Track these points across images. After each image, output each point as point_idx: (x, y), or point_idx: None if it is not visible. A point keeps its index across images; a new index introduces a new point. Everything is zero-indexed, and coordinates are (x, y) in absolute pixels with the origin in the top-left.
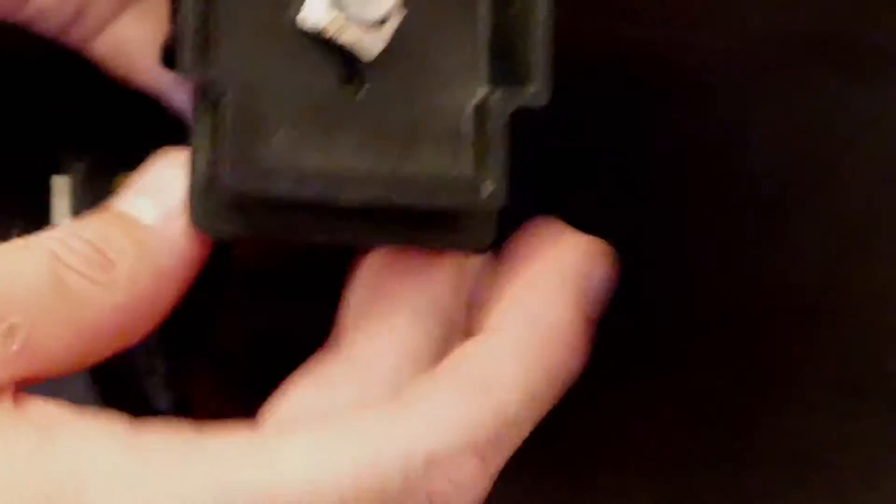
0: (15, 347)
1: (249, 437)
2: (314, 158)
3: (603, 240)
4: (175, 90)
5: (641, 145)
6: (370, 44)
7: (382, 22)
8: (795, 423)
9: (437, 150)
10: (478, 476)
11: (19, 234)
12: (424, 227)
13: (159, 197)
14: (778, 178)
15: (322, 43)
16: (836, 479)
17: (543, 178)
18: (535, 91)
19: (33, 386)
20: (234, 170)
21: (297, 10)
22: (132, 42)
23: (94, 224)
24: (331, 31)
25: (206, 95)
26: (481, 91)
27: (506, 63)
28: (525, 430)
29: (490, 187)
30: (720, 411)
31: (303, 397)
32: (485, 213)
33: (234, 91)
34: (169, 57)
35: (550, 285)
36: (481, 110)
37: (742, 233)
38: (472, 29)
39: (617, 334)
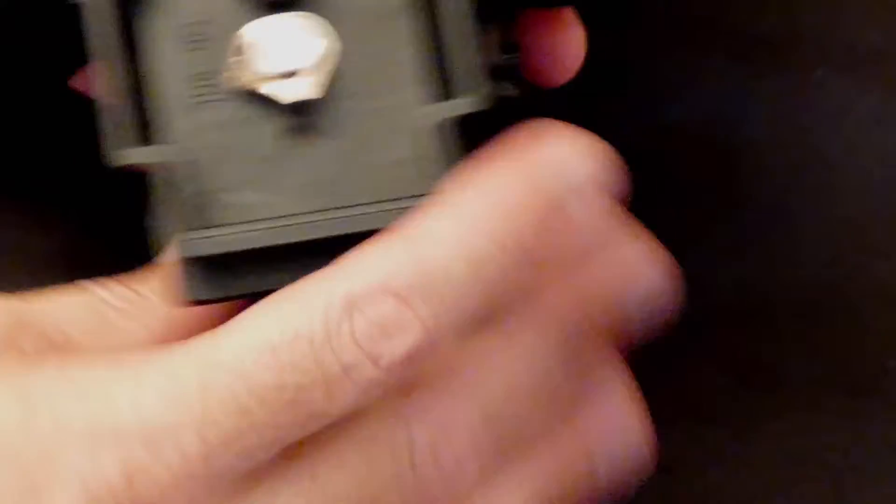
0: None
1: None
2: (266, 210)
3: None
4: None
5: (641, 145)
6: (302, 87)
7: (303, 72)
8: (795, 423)
9: (394, 176)
10: (402, 320)
11: None
12: None
13: None
14: (778, 178)
15: (258, 96)
16: (836, 479)
17: None
18: (473, 99)
19: None
20: (188, 242)
21: (223, 68)
22: None
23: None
24: (260, 89)
25: (151, 173)
26: (426, 109)
27: (443, 76)
28: (472, 295)
29: None
30: (720, 411)
31: None
32: None
33: (181, 166)
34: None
35: (509, 164)
36: (433, 128)
37: (742, 233)
38: (405, 49)
39: None
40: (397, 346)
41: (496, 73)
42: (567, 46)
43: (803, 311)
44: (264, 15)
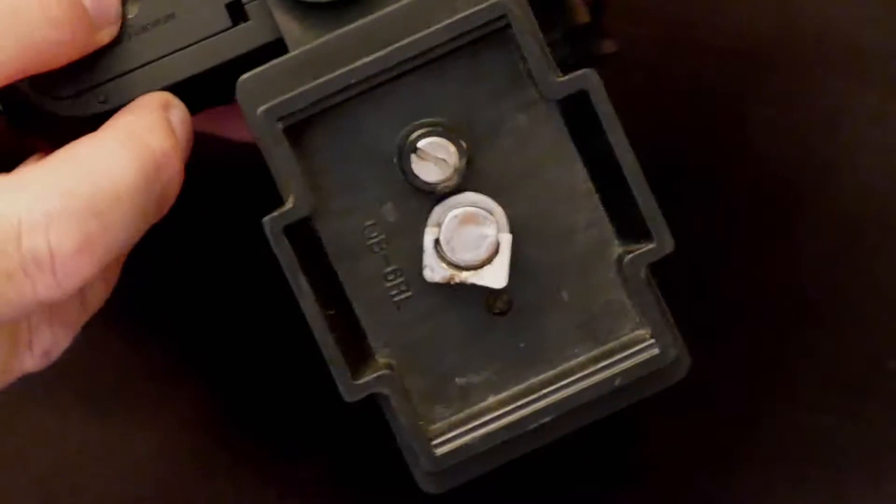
0: None
1: None
2: (488, 394)
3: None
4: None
5: (641, 145)
6: (495, 275)
7: (492, 258)
8: (795, 423)
9: (602, 324)
10: (72, 242)
11: None
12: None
13: None
14: (778, 178)
15: (453, 287)
16: (836, 479)
17: None
18: (661, 244)
19: None
20: (426, 469)
21: (405, 265)
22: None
23: None
24: (456, 281)
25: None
26: (616, 251)
27: (623, 216)
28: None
29: (672, 352)
30: (721, 411)
31: None
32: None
33: (396, 389)
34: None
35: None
36: (624, 272)
37: (742, 233)
38: (581, 205)
39: None
40: (55, 261)
41: (580, 36)
42: None
43: (803, 311)
44: (430, 206)
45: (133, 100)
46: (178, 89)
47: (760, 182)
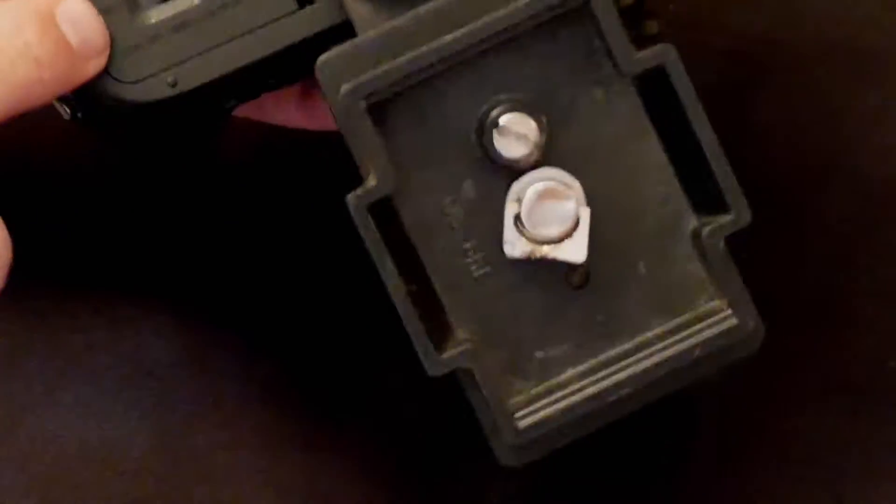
0: None
1: None
2: (567, 367)
3: None
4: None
5: None
6: (575, 249)
7: (572, 232)
8: (796, 423)
9: (679, 294)
10: None
11: None
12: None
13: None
14: (778, 178)
15: (532, 262)
16: (836, 479)
17: None
18: (739, 215)
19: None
20: (508, 443)
21: (486, 240)
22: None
23: None
24: (536, 256)
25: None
26: (692, 224)
27: (699, 189)
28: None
29: (750, 323)
30: (721, 411)
31: None
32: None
33: (480, 364)
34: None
35: None
36: (701, 246)
37: (741, 232)
38: (657, 178)
39: None
40: None
41: (626, 16)
42: None
43: (803, 311)
44: (510, 182)
45: (201, 85)
46: (244, 72)
47: (760, 182)
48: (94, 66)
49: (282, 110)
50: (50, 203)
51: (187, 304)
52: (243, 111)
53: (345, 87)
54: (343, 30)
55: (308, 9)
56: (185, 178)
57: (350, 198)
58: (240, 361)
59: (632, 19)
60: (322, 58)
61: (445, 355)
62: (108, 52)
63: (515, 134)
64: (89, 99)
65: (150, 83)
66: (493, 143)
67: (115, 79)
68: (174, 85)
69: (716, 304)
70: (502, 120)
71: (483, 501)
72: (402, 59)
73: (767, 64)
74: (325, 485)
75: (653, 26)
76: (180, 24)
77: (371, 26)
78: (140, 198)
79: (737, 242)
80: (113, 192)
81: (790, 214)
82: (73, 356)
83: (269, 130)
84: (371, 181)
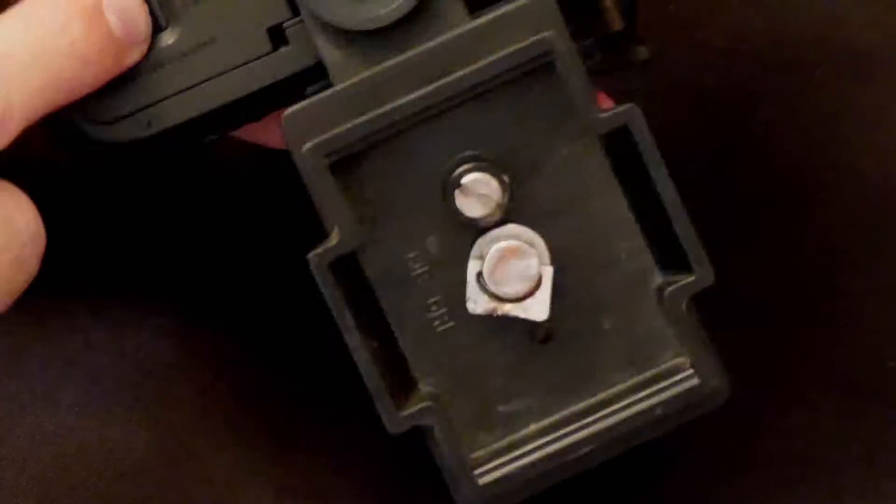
0: None
1: None
2: (530, 422)
3: None
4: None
5: None
6: (538, 308)
7: (534, 290)
8: (795, 423)
9: (642, 351)
10: None
11: None
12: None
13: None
14: (778, 179)
15: (494, 317)
16: (836, 479)
17: None
18: (702, 276)
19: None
20: (468, 499)
21: (448, 296)
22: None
23: None
24: (498, 313)
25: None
26: (657, 281)
27: (663, 246)
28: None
29: (712, 382)
30: (721, 411)
31: None
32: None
33: (441, 420)
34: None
35: None
36: (664, 303)
37: (742, 232)
38: (622, 235)
39: None
40: None
41: (614, 43)
42: None
43: (803, 311)
44: (473, 239)
45: (176, 125)
46: (220, 111)
47: (760, 182)
48: (137, 54)
49: (272, 131)
50: (50, 203)
51: (187, 304)
52: (237, 132)
53: (307, 145)
54: (320, 68)
55: (283, 50)
56: (184, 179)
57: (311, 257)
58: (240, 361)
59: (621, 46)
60: (287, 112)
61: (406, 412)
62: (150, 40)
63: (477, 194)
64: (65, 139)
65: (124, 124)
66: (455, 203)
67: (91, 119)
68: (149, 125)
69: (680, 360)
70: (465, 180)
71: None
72: (364, 118)
73: (767, 64)
74: (325, 485)
75: (643, 52)
76: (155, 63)
77: (343, 71)
78: (140, 198)
79: (737, 242)
80: (113, 192)
81: (790, 214)
82: (73, 356)
83: (259, 151)
84: (334, 239)
